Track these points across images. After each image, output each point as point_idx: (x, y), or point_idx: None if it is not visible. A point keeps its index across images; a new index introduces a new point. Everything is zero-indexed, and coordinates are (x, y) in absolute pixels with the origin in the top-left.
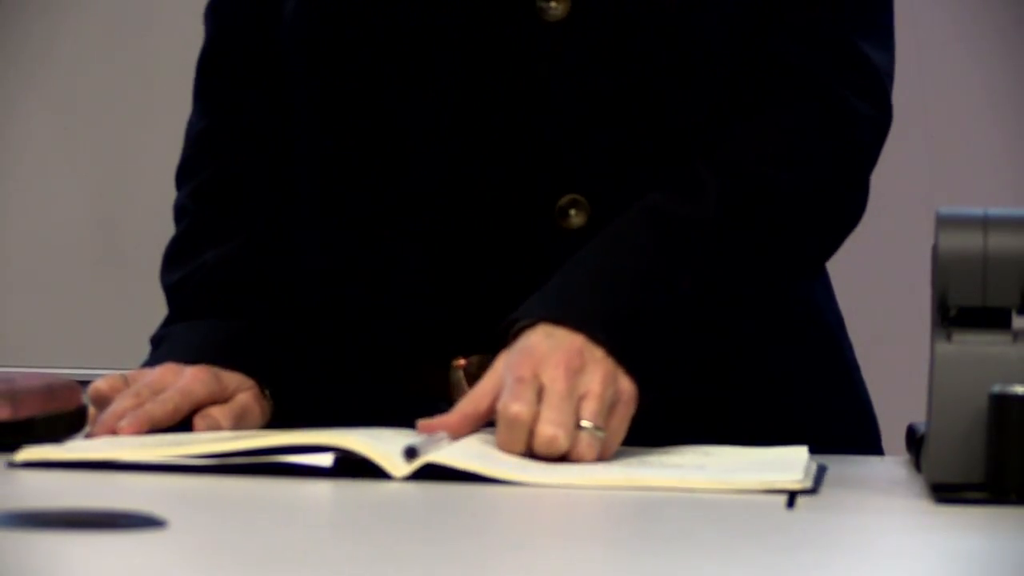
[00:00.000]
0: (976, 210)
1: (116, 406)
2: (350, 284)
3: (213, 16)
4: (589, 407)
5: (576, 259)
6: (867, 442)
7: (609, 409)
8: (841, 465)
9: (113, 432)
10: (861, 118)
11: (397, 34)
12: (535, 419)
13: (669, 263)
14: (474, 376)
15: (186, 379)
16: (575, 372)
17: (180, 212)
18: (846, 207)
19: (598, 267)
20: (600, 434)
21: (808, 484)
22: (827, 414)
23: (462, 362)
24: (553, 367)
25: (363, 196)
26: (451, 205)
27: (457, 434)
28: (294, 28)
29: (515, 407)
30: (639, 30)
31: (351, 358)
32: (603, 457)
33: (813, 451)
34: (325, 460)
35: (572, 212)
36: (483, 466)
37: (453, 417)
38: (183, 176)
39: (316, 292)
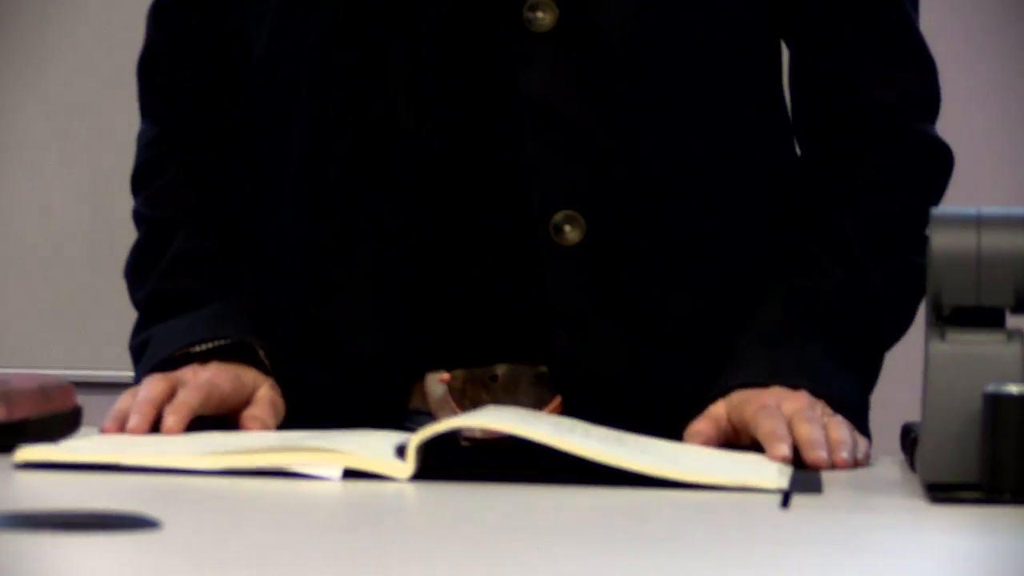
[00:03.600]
0: (969, 209)
1: (150, 393)
2: (335, 297)
3: (154, 22)
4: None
5: (746, 344)
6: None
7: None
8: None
9: (155, 425)
10: (939, 144)
11: (383, 48)
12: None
13: (808, 327)
14: (459, 391)
15: (207, 376)
16: (811, 404)
17: (138, 219)
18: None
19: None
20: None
21: (782, 485)
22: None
23: (446, 376)
24: (792, 399)
25: (350, 211)
26: (441, 220)
27: None
28: (272, 43)
29: (768, 424)
30: (627, 42)
31: (330, 369)
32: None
33: None
34: (334, 473)
35: (567, 228)
36: (483, 420)
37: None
38: (137, 184)
39: (292, 305)
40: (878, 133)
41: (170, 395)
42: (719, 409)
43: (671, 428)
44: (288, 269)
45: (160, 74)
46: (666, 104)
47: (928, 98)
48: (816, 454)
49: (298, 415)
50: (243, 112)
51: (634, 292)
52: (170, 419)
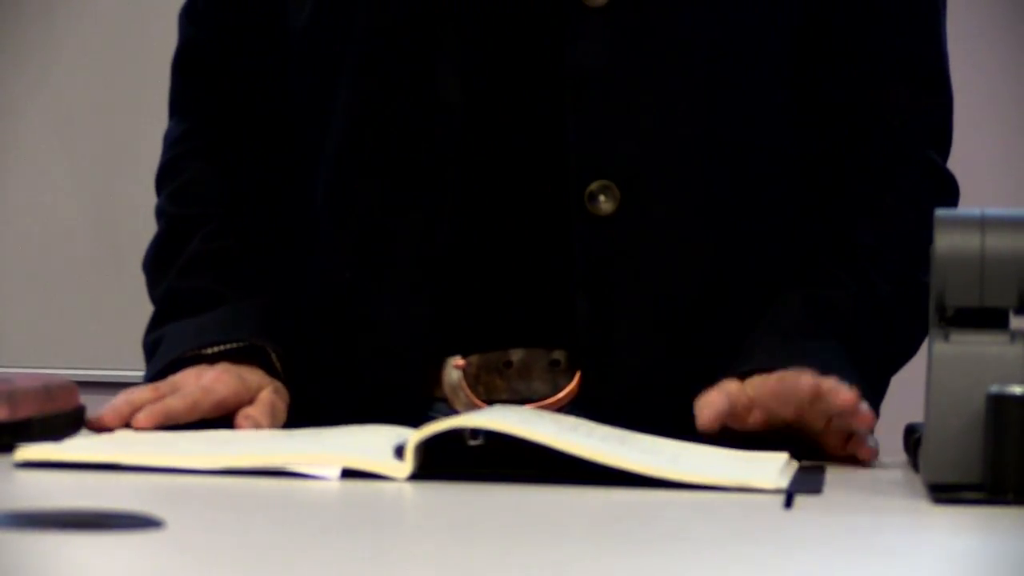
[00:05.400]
0: (974, 210)
1: (132, 396)
2: (363, 273)
3: (188, 18)
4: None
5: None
6: None
7: None
8: (838, 465)
9: (127, 422)
10: (949, 175)
11: (430, 19)
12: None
13: (821, 330)
14: (474, 376)
15: (208, 379)
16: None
17: (159, 214)
18: None
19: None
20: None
21: (782, 485)
22: None
23: (461, 362)
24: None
25: (388, 185)
26: (477, 188)
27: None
28: (316, 14)
29: (805, 378)
30: (679, 17)
31: (358, 349)
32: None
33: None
34: (332, 473)
35: (602, 198)
36: (486, 420)
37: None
38: (161, 180)
39: (321, 284)
40: (893, 156)
41: (155, 401)
42: (732, 384)
43: (685, 409)
44: (320, 248)
45: (199, 68)
46: (708, 87)
47: (943, 132)
48: (864, 448)
49: (323, 404)
50: (282, 89)
51: (660, 268)
52: (141, 415)
